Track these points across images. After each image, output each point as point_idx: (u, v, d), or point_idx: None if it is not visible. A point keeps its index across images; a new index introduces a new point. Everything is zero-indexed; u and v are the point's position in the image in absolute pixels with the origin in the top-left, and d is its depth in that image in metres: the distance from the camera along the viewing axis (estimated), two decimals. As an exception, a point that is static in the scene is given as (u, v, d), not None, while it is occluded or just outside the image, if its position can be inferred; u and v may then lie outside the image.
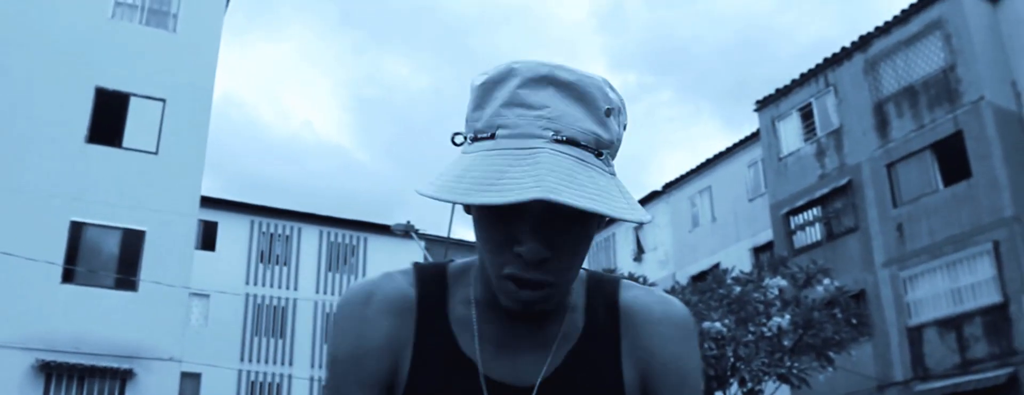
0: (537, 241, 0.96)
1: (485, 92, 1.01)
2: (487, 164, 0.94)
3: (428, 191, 0.94)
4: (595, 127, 0.98)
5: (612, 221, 1.10)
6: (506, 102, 0.98)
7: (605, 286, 1.14)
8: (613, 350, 1.10)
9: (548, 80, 0.98)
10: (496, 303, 1.06)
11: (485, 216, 0.99)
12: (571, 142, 0.95)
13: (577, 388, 1.07)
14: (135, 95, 18.49)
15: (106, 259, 17.46)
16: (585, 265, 1.15)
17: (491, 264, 1.01)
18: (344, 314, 1.10)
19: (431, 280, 1.12)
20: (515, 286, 0.98)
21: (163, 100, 18.68)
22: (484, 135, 0.99)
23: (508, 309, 1.01)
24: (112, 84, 18.34)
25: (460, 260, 1.16)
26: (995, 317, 16.51)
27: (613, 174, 1.00)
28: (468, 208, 1.06)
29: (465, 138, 1.03)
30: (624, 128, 1.05)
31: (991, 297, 16.66)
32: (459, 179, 0.94)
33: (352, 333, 1.08)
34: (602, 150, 0.98)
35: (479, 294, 1.09)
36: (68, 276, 16.92)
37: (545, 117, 0.96)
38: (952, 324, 17.19)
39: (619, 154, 1.04)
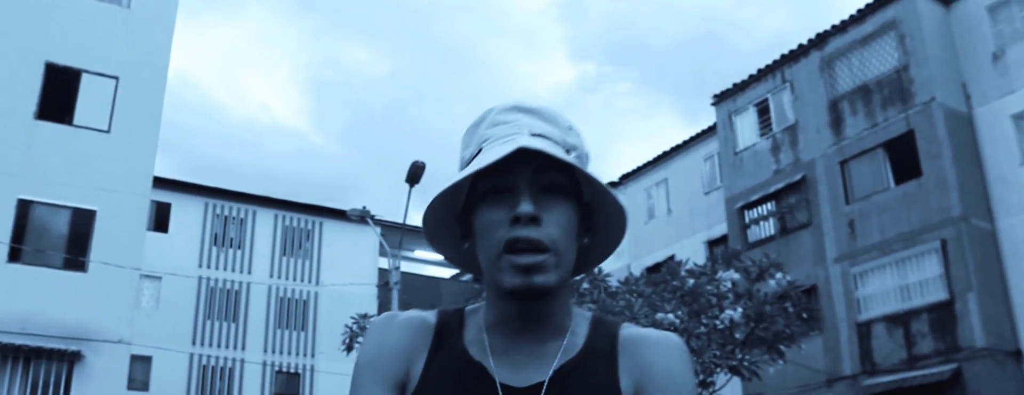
0: (528, 201, 1.11)
1: (469, 132, 1.25)
2: (477, 160, 1.16)
3: (432, 199, 1.16)
4: (561, 133, 1.20)
5: (594, 227, 1.24)
6: (487, 127, 1.21)
7: (607, 324, 1.24)
8: (611, 363, 1.19)
9: (518, 108, 1.22)
10: (504, 323, 1.18)
11: (484, 200, 1.15)
12: (542, 136, 1.17)
13: (577, 390, 1.16)
14: (87, 72, 18.13)
15: (55, 238, 17.14)
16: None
17: (492, 246, 1.12)
18: (369, 331, 1.24)
19: (451, 314, 1.26)
20: (514, 255, 1.10)
21: (116, 77, 18.34)
22: (473, 154, 1.20)
23: (513, 291, 1.11)
24: (63, 60, 17.96)
25: (473, 306, 1.29)
26: (941, 314, 16.86)
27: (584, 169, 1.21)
28: (465, 236, 1.21)
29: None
30: (588, 157, 1.24)
31: (938, 294, 17.01)
32: (456, 175, 1.16)
33: (374, 342, 1.21)
34: (569, 150, 1.18)
35: (489, 318, 1.21)
36: (15, 255, 16.59)
37: (520, 124, 1.19)
38: (900, 320, 17.52)
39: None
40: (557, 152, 1.11)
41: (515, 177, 1.13)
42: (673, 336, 1.23)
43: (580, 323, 1.23)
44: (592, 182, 1.18)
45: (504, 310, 1.18)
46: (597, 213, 1.22)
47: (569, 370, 1.17)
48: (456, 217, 1.23)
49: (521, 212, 1.10)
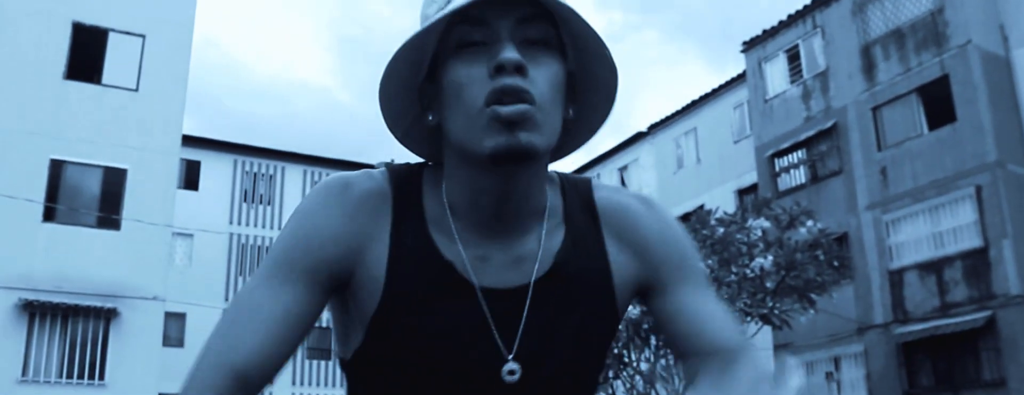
0: (512, 48, 0.95)
1: None
2: (448, 6, 0.97)
3: (391, 58, 0.98)
4: None
5: (579, 98, 1.08)
6: None
7: (579, 185, 1.13)
8: (599, 251, 1.09)
9: None
10: (474, 203, 1.03)
11: (457, 56, 0.98)
12: None
13: (566, 290, 1.06)
14: (114, 31, 18.15)
15: (87, 198, 17.33)
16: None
17: (470, 100, 0.96)
18: (315, 200, 1.05)
19: (406, 179, 1.08)
20: (498, 105, 0.94)
21: (143, 36, 18.35)
22: (440, 7, 1.00)
23: (495, 153, 0.95)
24: (90, 19, 17.97)
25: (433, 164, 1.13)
26: (975, 261, 16.67)
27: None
28: (428, 107, 1.04)
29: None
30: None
31: (972, 241, 16.80)
32: (420, 26, 0.99)
33: (319, 216, 1.03)
34: None
35: (454, 197, 1.05)
36: (49, 214, 16.80)
37: None
38: (933, 268, 17.36)
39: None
40: None
41: (494, 28, 0.97)
42: (652, 201, 1.15)
43: (553, 196, 1.10)
44: (584, 35, 1.00)
45: (476, 185, 1.02)
46: (584, 81, 1.07)
47: (555, 266, 1.05)
48: (417, 86, 1.05)
49: (505, 59, 0.94)
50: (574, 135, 1.09)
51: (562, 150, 1.10)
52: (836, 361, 18.89)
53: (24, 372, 16.01)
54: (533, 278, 1.04)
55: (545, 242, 1.06)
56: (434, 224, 1.04)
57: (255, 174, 29.86)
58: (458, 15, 0.97)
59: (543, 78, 0.97)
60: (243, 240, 28.85)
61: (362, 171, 1.08)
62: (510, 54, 0.94)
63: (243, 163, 29.71)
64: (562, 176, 1.13)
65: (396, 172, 1.08)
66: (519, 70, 0.94)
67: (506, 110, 0.93)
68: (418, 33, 0.97)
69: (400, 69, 1.01)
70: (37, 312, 16.28)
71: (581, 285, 1.06)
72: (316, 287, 1.01)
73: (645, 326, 13.36)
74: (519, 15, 0.97)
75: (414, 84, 1.05)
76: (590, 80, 1.06)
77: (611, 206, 1.11)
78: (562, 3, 0.95)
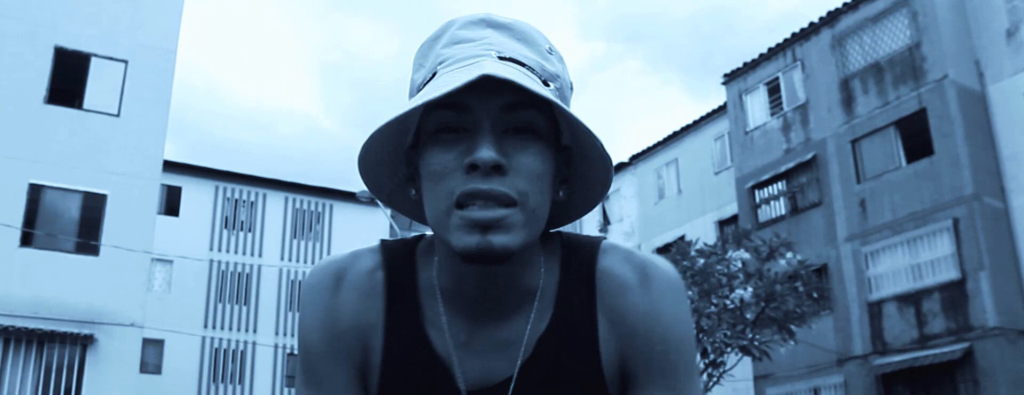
0: (490, 145, 0.88)
1: (424, 49, 1.00)
2: (429, 87, 0.92)
3: (370, 134, 0.92)
4: (538, 58, 0.96)
5: (572, 177, 1.04)
6: (446, 45, 0.96)
7: (582, 253, 1.03)
8: (589, 331, 1.00)
9: (486, 22, 0.96)
10: (460, 288, 0.98)
11: (436, 139, 0.92)
12: (514, 61, 0.93)
13: (550, 376, 0.99)
14: (96, 56, 18.13)
15: (66, 223, 17.19)
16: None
17: (441, 198, 0.90)
18: (313, 297, 1.02)
19: (400, 260, 1.03)
20: (468, 209, 0.88)
21: (125, 61, 18.33)
22: (425, 79, 0.96)
23: (465, 254, 0.89)
24: (72, 44, 17.95)
25: (430, 235, 1.06)
26: (953, 293, 16.79)
27: (564, 103, 0.97)
28: (412, 178, 1.01)
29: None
30: (571, 88, 1.02)
31: (950, 273, 16.93)
32: (401, 107, 0.92)
33: (322, 315, 1.01)
34: (549, 81, 0.95)
35: (443, 279, 0.99)
36: (27, 239, 16.66)
37: (487, 44, 0.94)
38: (911, 299, 17.46)
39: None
40: (531, 84, 0.86)
41: (476, 114, 0.90)
42: (660, 273, 1.00)
43: (551, 269, 1.02)
44: (573, 123, 0.93)
45: (459, 270, 0.96)
46: (577, 160, 1.01)
47: (540, 352, 0.98)
48: (403, 154, 1.02)
49: (480, 159, 0.87)
50: (566, 213, 1.06)
51: (554, 224, 1.05)
52: (816, 392, 18.91)
53: (-3, 399, 15.79)
54: (516, 369, 0.98)
55: (533, 324, 0.99)
56: (427, 308, 1.01)
57: (236, 201, 29.73)
58: (439, 100, 0.91)
59: (525, 170, 0.90)
60: (223, 267, 28.66)
61: (352, 253, 1.04)
62: (486, 153, 0.87)
63: (224, 189, 29.60)
64: (567, 243, 1.04)
65: (390, 250, 1.04)
66: (496, 169, 0.88)
67: (477, 215, 0.88)
68: (394, 118, 0.90)
69: (381, 142, 0.97)
70: (12, 338, 16.08)
71: (567, 370, 0.99)
72: (355, 369, 1.02)
73: None
74: (503, 102, 0.90)
75: (399, 150, 1.02)
76: (585, 159, 1.01)
77: (610, 279, 1.00)
78: (545, 96, 0.86)
